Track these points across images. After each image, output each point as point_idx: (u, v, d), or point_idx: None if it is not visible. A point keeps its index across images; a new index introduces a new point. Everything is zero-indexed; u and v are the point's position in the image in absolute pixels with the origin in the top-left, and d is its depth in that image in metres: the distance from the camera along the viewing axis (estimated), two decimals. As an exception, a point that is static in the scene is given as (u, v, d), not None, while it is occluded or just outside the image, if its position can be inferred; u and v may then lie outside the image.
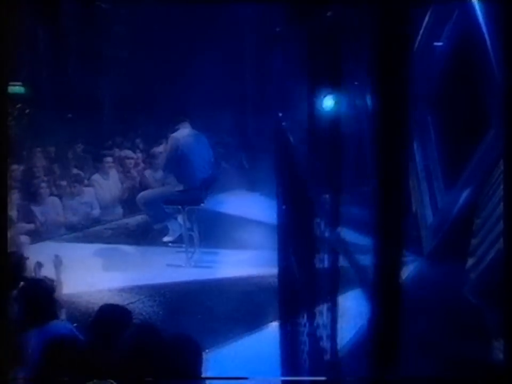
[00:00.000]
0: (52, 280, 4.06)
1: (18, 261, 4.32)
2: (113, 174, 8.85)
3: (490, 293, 4.06)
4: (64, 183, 8.42)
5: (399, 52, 1.38)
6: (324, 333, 2.67)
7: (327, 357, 2.54)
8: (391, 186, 1.42)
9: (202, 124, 7.44)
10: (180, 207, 6.94)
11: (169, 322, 5.17)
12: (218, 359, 4.55)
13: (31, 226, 7.49)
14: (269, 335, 5.14)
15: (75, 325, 4.00)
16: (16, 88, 9.30)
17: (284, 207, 4.38)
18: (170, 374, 2.83)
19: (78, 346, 3.14)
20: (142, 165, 9.53)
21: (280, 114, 4.63)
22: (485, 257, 4.65)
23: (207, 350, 4.28)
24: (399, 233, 1.45)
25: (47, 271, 4.76)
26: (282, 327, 4.50)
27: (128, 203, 8.66)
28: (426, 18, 6.21)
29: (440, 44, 6.14)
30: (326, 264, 2.61)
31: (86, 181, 8.53)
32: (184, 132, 6.89)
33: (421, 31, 6.28)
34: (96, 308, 3.88)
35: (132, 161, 9.32)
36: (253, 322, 5.37)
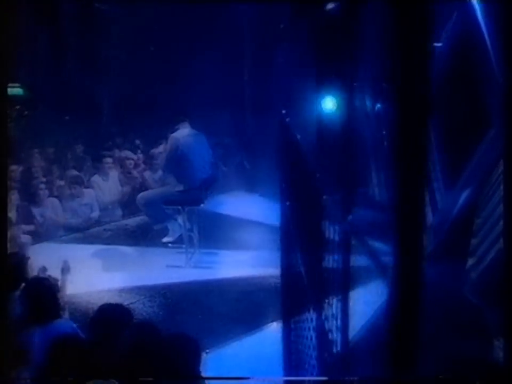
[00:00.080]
0: (56, 279, 4.05)
1: (20, 262, 4.31)
2: (113, 174, 8.85)
3: (491, 293, 4.06)
4: (63, 184, 8.42)
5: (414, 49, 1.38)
6: (329, 331, 2.66)
7: (331, 356, 2.54)
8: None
9: (202, 124, 7.44)
10: (179, 207, 6.94)
11: (169, 323, 5.16)
12: (219, 359, 4.56)
13: (31, 227, 7.49)
14: (269, 335, 5.15)
15: (76, 325, 4.00)
16: (15, 90, 9.30)
17: (287, 203, 4.37)
18: (170, 374, 2.83)
19: (81, 345, 3.14)
20: (142, 165, 9.54)
21: (284, 111, 4.62)
22: (485, 257, 4.64)
23: (207, 350, 4.28)
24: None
25: (51, 271, 4.77)
26: (284, 326, 4.49)
27: (128, 204, 8.66)
28: (425, 21, 6.19)
29: (439, 44, 6.14)
30: (335, 258, 2.60)
31: (85, 182, 8.52)
32: (184, 132, 6.89)
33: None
34: (96, 308, 3.88)
35: (132, 162, 9.32)
36: (253, 323, 5.38)
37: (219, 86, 9.89)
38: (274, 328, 5.24)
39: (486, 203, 5.01)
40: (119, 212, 8.70)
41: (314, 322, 3.06)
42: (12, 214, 7.26)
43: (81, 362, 2.95)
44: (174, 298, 5.97)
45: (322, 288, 2.83)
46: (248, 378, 2.98)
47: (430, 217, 6.34)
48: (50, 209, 7.84)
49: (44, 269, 4.81)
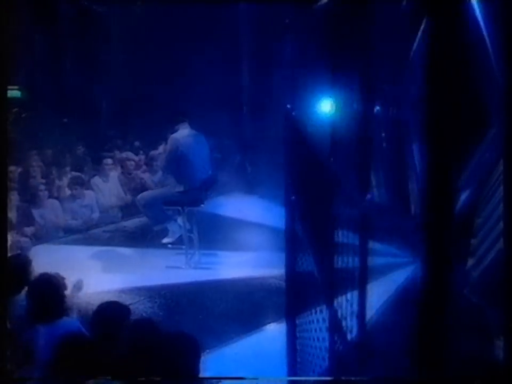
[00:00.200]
0: (63, 278, 4.04)
1: (22, 264, 4.30)
2: (113, 176, 8.85)
3: (491, 293, 4.05)
4: (64, 185, 8.43)
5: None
6: (343, 320, 2.66)
7: (345, 344, 2.54)
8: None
9: (202, 125, 7.43)
10: (179, 208, 6.94)
11: (169, 323, 5.16)
12: (218, 360, 4.55)
13: (31, 229, 7.49)
14: (269, 335, 5.15)
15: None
16: (13, 92, 9.31)
17: (293, 197, 4.36)
18: (170, 373, 2.83)
19: (86, 344, 3.13)
20: (142, 166, 9.54)
21: (289, 106, 4.62)
22: (486, 257, 4.63)
23: (207, 351, 4.28)
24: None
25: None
26: (288, 326, 4.48)
27: (128, 205, 8.67)
28: (425, 19, 6.20)
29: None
30: (349, 250, 2.60)
31: (86, 184, 8.53)
32: (183, 133, 6.88)
33: (420, 32, 6.27)
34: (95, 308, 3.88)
35: (133, 163, 9.33)
36: (253, 323, 5.38)
37: (218, 87, 9.89)
38: (274, 328, 5.25)
39: (486, 203, 5.00)
40: (119, 213, 8.70)
41: (320, 321, 3.05)
42: (12, 215, 7.27)
43: (86, 361, 2.95)
44: (174, 298, 5.97)
45: (334, 281, 2.82)
46: (249, 378, 2.97)
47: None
48: (50, 210, 7.84)
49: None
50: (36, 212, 7.66)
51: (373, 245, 3.30)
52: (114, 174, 8.88)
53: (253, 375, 3.66)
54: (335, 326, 2.78)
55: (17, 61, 8.93)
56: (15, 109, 9.57)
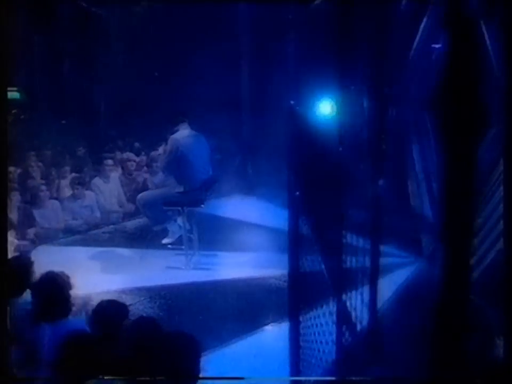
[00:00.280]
0: (68, 277, 4.04)
1: (24, 266, 4.30)
2: (114, 177, 8.85)
3: (491, 293, 4.05)
4: (64, 186, 8.43)
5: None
6: (352, 311, 2.66)
7: (353, 334, 2.54)
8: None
9: (202, 125, 7.44)
10: (179, 208, 6.94)
11: (169, 323, 5.15)
12: (218, 360, 4.55)
13: (32, 230, 7.49)
14: (269, 335, 5.15)
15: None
16: (12, 94, 9.31)
17: (297, 193, 4.35)
18: (171, 373, 2.83)
19: (90, 343, 3.13)
20: (143, 167, 9.54)
21: (292, 102, 4.61)
22: (486, 257, 4.64)
23: (207, 351, 4.27)
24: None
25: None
26: (291, 325, 4.48)
27: (129, 206, 8.67)
28: (425, 20, 6.22)
29: (439, 45, 6.15)
30: (358, 244, 2.60)
31: (86, 184, 8.53)
32: (183, 133, 6.88)
33: (419, 33, 6.29)
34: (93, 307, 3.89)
35: (134, 163, 9.33)
36: (253, 323, 5.37)
37: (218, 87, 9.88)
38: (274, 328, 5.25)
39: (486, 203, 5.01)
40: (119, 214, 8.69)
41: (326, 316, 3.06)
42: (13, 217, 7.29)
43: (89, 360, 2.95)
44: (174, 299, 5.97)
45: (343, 276, 2.82)
46: (248, 378, 2.98)
47: (430, 218, 6.35)
48: (51, 211, 7.85)
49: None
50: (36, 213, 7.67)
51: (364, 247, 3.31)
52: (115, 175, 8.88)
53: (252, 375, 3.67)
54: (344, 320, 2.78)
55: (17, 62, 8.94)
56: (14, 110, 9.57)
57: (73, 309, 4.12)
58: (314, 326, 3.83)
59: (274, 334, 5.13)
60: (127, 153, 9.76)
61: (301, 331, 4.18)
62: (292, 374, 4.08)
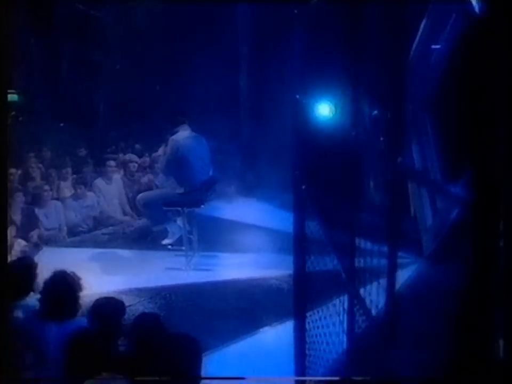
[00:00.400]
0: (78, 277, 4.04)
1: (28, 268, 4.30)
2: (117, 178, 8.86)
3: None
4: (66, 188, 8.45)
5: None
6: (365, 299, 2.66)
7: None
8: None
9: (202, 126, 7.45)
10: (179, 209, 6.94)
11: (169, 324, 5.15)
12: (218, 360, 4.55)
13: (35, 231, 7.50)
14: (270, 336, 5.16)
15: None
16: (12, 96, 9.33)
17: (303, 186, 4.33)
18: (172, 373, 2.83)
19: (95, 341, 3.14)
20: (144, 168, 9.55)
21: (297, 96, 4.60)
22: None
23: (207, 352, 4.27)
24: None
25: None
26: (296, 325, 4.48)
27: (130, 207, 8.68)
28: (424, 20, 6.21)
29: (439, 45, 6.15)
30: (373, 232, 2.59)
31: (88, 186, 8.55)
32: (184, 134, 6.89)
33: (419, 33, 6.28)
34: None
35: (136, 165, 9.35)
36: (253, 323, 5.38)
37: (218, 88, 9.89)
38: (275, 328, 5.26)
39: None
40: (120, 215, 8.70)
41: (329, 318, 3.06)
42: (16, 218, 7.31)
43: (94, 358, 2.96)
44: (174, 299, 5.98)
45: (356, 271, 2.81)
46: (250, 378, 2.98)
47: (429, 219, 6.34)
48: (53, 213, 7.86)
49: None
50: (39, 215, 7.69)
51: (373, 245, 3.30)
52: (117, 176, 8.90)
53: (253, 375, 3.67)
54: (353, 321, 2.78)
55: (17, 63, 8.96)
56: (13, 112, 9.59)
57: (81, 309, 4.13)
58: (320, 327, 3.84)
59: (274, 334, 5.14)
60: (129, 154, 9.78)
61: (306, 331, 4.18)
62: (297, 374, 4.08)
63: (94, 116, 11.01)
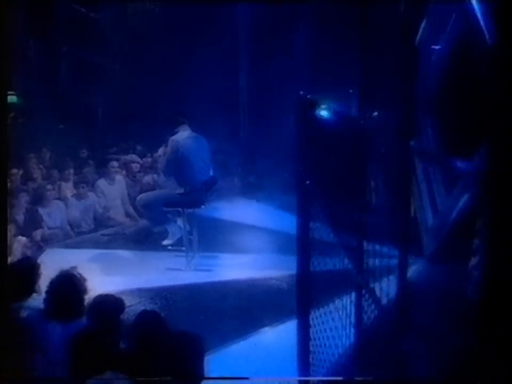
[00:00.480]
0: (84, 278, 4.05)
1: (31, 268, 4.30)
2: (119, 179, 8.87)
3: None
4: (68, 189, 8.46)
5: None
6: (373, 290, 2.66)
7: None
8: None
9: (202, 127, 7.45)
10: (180, 209, 6.95)
11: (169, 324, 5.16)
12: (218, 360, 4.55)
13: (37, 232, 7.51)
14: (270, 336, 5.16)
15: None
16: (12, 98, 9.34)
17: (307, 182, 4.32)
18: (173, 372, 2.83)
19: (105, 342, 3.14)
20: (146, 169, 9.55)
21: (301, 92, 4.59)
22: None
23: (208, 352, 4.27)
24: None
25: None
26: (299, 325, 4.48)
27: (131, 208, 8.68)
28: (424, 21, 6.22)
29: (439, 46, 6.15)
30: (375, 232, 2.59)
31: (90, 186, 8.56)
32: (184, 135, 6.89)
33: (419, 33, 6.28)
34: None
35: (138, 165, 9.36)
36: (253, 324, 5.38)
37: (218, 88, 9.90)
38: (275, 329, 5.26)
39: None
40: (122, 216, 8.70)
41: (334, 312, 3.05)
42: (19, 219, 7.32)
43: (101, 358, 2.96)
44: (174, 300, 5.98)
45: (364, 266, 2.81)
46: (253, 378, 2.98)
47: (430, 219, 6.34)
48: (55, 214, 7.88)
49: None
50: (42, 214, 7.69)
51: (374, 246, 3.31)
52: (119, 177, 8.90)
53: (254, 375, 3.67)
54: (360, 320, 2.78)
55: (17, 66, 8.97)
56: (12, 114, 9.59)
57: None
58: (325, 330, 3.84)
59: (275, 334, 5.14)
60: (131, 155, 9.79)
61: (309, 331, 4.18)
62: (300, 374, 4.08)
63: (94, 117, 11.03)
